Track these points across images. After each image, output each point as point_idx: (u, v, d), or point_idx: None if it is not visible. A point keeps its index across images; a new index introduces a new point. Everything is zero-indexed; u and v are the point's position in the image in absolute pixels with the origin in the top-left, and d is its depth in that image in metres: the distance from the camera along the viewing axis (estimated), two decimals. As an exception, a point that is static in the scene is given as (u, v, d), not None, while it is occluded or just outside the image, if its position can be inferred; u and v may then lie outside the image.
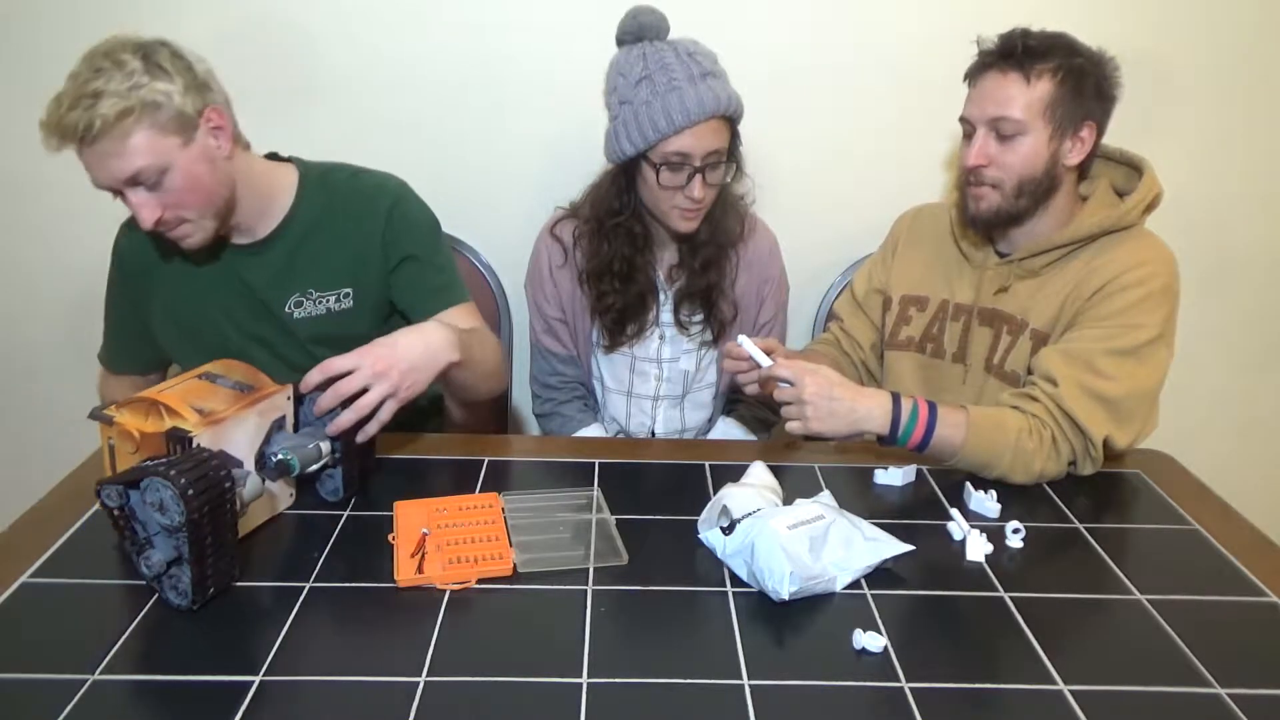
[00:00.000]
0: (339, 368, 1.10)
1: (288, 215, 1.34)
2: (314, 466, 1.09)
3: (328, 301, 1.37)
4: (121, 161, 1.16)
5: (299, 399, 1.12)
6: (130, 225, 1.36)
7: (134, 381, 1.47)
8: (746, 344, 1.28)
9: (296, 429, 1.12)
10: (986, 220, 1.34)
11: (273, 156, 1.39)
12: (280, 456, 1.05)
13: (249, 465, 1.04)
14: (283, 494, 1.13)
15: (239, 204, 1.29)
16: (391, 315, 1.43)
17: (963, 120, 1.34)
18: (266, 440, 1.07)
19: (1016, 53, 1.26)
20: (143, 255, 1.36)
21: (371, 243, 1.36)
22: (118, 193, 1.20)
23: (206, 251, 1.32)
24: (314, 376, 1.10)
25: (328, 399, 1.09)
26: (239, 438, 1.03)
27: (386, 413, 1.13)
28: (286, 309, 1.36)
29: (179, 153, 1.19)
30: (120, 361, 1.48)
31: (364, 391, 1.10)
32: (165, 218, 1.21)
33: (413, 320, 1.39)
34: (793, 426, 1.22)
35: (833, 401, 1.21)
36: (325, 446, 1.10)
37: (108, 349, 1.49)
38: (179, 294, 1.36)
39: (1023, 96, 1.26)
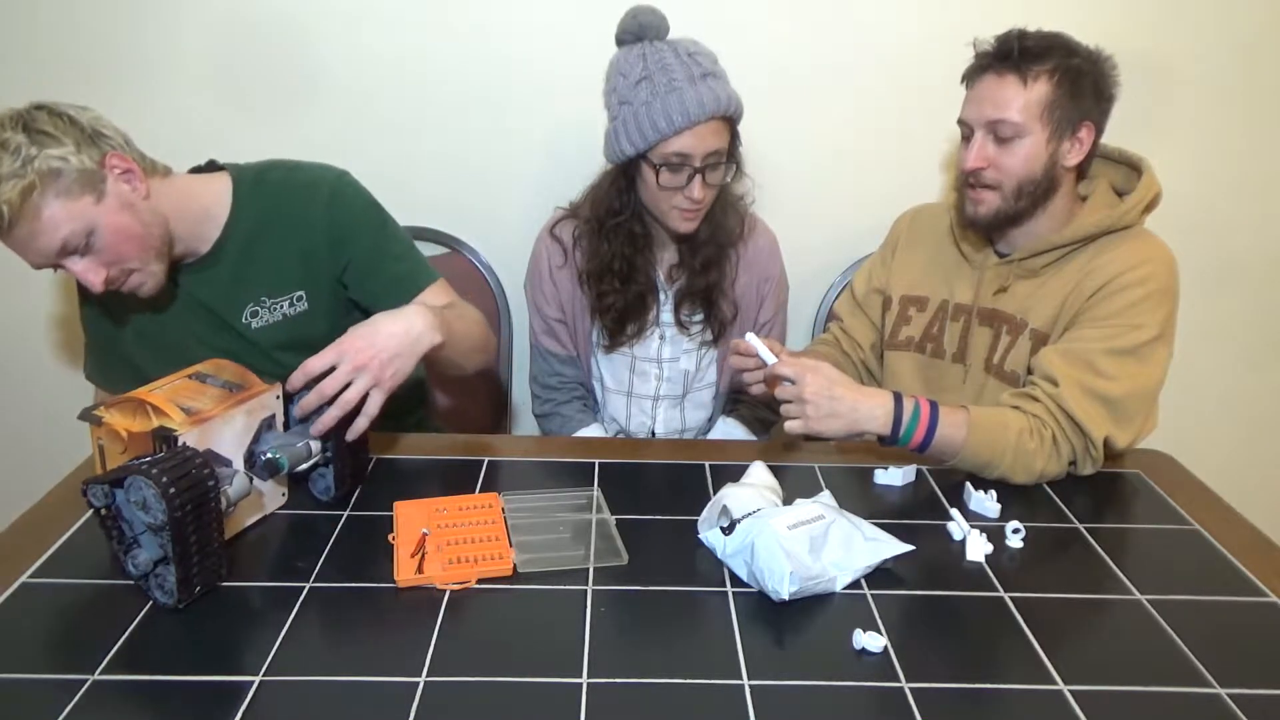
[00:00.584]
0: (319, 366, 1.09)
1: (226, 226, 1.30)
2: (304, 465, 1.08)
3: (282, 307, 1.35)
4: (44, 238, 1.13)
5: (289, 397, 1.12)
6: None
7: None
8: (753, 341, 1.28)
9: (287, 427, 1.12)
10: (986, 222, 1.34)
11: (211, 165, 1.36)
12: (269, 455, 1.05)
13: (238, 464, 1.04)
14: (274, 494, 1.12)
15: (176, 233, 1.26)
16: (352, 311, 1.40)
17: (961, 123, 1.34)
18: (255, 439, 1.07)
19: (1013, 55, 1.26)
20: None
21: (315, 240, 1.33)
22: (56, 266, 1.18)
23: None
24: (296, 378, 1.09)
25: (311, 399, 1.08)
26: (226, 437, 1.03)
27: (373, 406, 1.11)
28: (244, 320, 1.34)
29: (96, 210, 1.15)
30: (110, 379, 1.41)
31: (348, 387, 1.09)
32: (111, 275, 1.19)
33: (386, 308, 1.37)
34: (792, 425, 1.22)
35: (834, 401, 1.21)
36: (315, 445, 1.09)
37: (97, 368, 1.44)
38: (146, 316, 1.33)
39: (1020, 99, 1.26)
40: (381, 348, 1.11)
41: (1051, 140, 1.28)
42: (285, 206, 1.33)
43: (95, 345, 1.43)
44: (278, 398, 1.10)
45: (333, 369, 1.09)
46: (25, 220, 1.11)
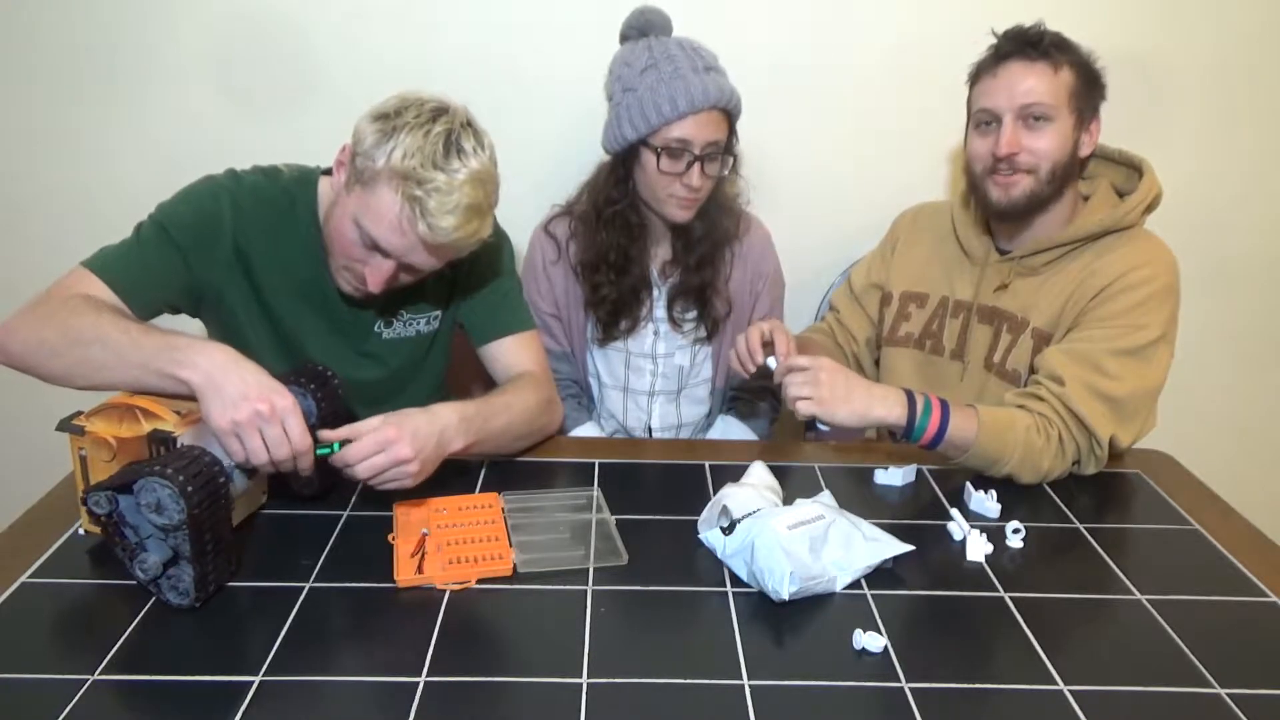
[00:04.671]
0: (360, 456, 1.03)
1: None
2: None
3: (417, 324, 1.35)
4: (433, 262, 1.17)
5: None
6: (235, 191, 1.23)
7: (118, 308, 1.14)
8: (770, 362, 1.29)
9: None
10: (1019, 206, 1.32)
11: None
12: None
13: (228, 462, 1.04)
14: (256, 493, 1.12)
15: None
16: (454, 336, 1.43)
17: (984, 111, 1.32)
18: None
19: (1042, 43, 1.27)
20: (245, 223, 1.23)
21: (459, 265, 1.32)
22: (376, 249, 1.14)
23: (311, 257, 1.26)
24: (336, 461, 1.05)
25: (337, 462, 1.05)
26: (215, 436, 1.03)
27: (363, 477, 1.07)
28: (376, 329, 1.33)
29: None
30: (132, 291, 1.15)
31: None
32: (385, 288, 1.20)
33: (474, 339, 1.39)
34: (804, 406, 1.21)
35: (849, 386, 1.22)
36: None
37: (124, 272, 1.16)
38: (270, 277, 1.26)
39: (1050, 84, 1.27)
40: (422, 445, 1.06)
41: (1075, 128, 1.29)
42: None
43: (151, 258, 1.19)
44: None
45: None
46: (457, 252, 1.17)
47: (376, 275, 1.17)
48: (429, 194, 1.08)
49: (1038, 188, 1.31)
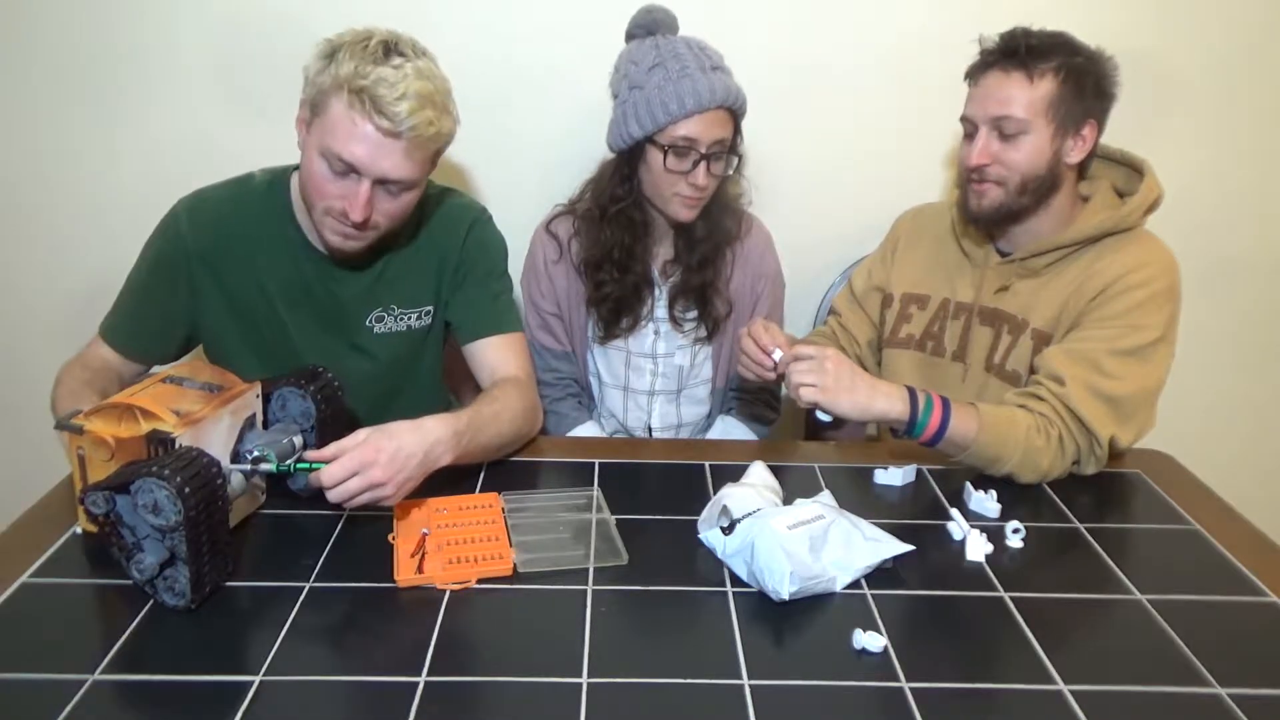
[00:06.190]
0: (335, 478, 1.02)
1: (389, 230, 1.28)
2: (289, 462, 1.09)
3: (409, 319, 1.36)
4: (403, 167, 1.15)
5: (267, 397, 1.13)
6: (193, 208, 1.30)
7: (131, 366, 1.33)
8: (779, 355, 1.29)
9: (266, 426, 1.12)
10: (988, 216, 1.34)
11: None
12: (257, 453, 1.05)
13: (226, 464, 1.05)
14: (255, 493, 1.13)
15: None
16: (444, 336, 1.44)
17: (964, 120, 1.34)
18: (239, 439, 1.07)
19: (1019, 52, 1.26)
20: (208, 240, 1.28)
21: (449, 261, 1.36)
22: (347, 173, 1.15)
23: (292, 255, 1.29)
24: (312, 480, 1.04)
25: (315, 482, 1.04)
26: (215, 437, 1.03)
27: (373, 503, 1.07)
28: (367, 323, 1.34)
29: (427, 175, 1.23)
30: (133, 343, 1.32)
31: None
32: (371, 221, 1.19)
33: (459, 337, 1.40)
34: (808, 393, 1.21)
35: (854, 376, 1.22)
36: (298, 441, 1.10)
37: (122, 327, 1.32)
38: (246, 284, 1.30)
39: (1025, 96, 1.26)
40: (400, 467, 1.05)
41: (1055, 137, 1.28)
42: (437, 224, 1.35)
43: (142, 304, 1.32)
44: (257, 396, 1.11)
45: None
46: (416, 147, 1.15)
47: (355, 201, 1.16)
48: (376, 85, 1.11)
49: (1007, 199, 1.31)
